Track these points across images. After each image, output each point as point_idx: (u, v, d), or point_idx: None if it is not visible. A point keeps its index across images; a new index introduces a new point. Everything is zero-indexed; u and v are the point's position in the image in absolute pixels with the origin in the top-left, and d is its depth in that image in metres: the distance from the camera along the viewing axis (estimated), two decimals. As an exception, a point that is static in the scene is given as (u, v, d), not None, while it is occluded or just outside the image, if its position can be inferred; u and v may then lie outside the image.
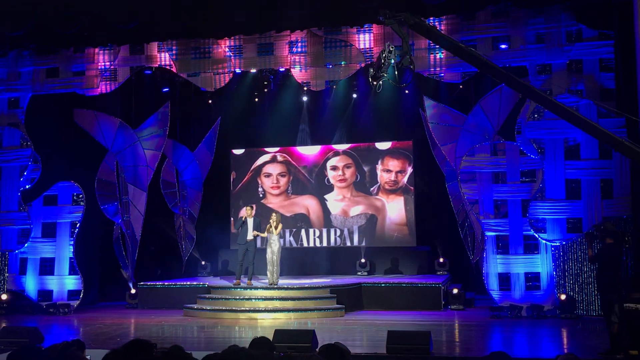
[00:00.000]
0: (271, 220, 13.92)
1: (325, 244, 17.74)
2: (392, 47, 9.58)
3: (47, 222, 15.18)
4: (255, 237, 14.17)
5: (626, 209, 12.21)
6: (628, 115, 10.31)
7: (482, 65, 8.68)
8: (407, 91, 15.89)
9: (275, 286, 13.79)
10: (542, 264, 12.88)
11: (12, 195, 15.09)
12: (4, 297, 14.58)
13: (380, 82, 9.89)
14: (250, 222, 14.12)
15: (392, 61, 9.52)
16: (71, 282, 14.93)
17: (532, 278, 12.99)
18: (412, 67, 9.37)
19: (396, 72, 9.49)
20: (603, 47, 12.64)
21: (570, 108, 8.58)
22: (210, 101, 17.51)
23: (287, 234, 17.79)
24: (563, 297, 12.47)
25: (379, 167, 17.61)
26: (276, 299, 13.50)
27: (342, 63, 14.16)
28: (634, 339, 7.19)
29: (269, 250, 13.92)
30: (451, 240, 16.20)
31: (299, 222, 17.95)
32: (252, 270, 14.18)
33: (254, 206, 15.30)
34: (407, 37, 9.45)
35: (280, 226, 14.01)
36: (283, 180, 18.22)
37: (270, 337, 9.32)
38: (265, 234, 14.09)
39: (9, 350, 8.66)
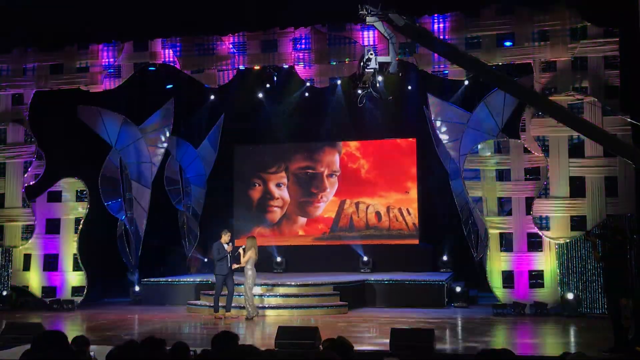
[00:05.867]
0: (246, 247, 12.75)
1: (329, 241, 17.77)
2: (371, 54, 8.64)
3: (51, 218, 15.20)
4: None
5: (630, 207, 12.17)
6: (634, 122, 9.99)
7: (484, 73, 7.91)
8: (409, 87, 15.75)
9: (255, 316, 12.63)
10: (545, 262, 12.85)
11: (16, 192, 15.11)
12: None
13: (361, 93, 9.09)
14: (226, 248, 13.03)
15: (372, 69, 8.59)
16: (75, 278, 14.96)
17: (536, 276, 12.96)
18: (400, 74, 8.57)
19: (378, 82, 8.56)
20: (608, 45, 12.58)
21: (584, 119, 7.84)
22: (213, 97, 17.49)
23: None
24: (567, 294, 12.45)
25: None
26: (279, 295, 13.49)
27: (346, 60, 14.11)
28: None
29: (246, 281, 12.65)
30: (455, 237, 16.20)
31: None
32: (231, 301, 12.99)
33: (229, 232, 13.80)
34: (394, 39, 8.63)
35: (256, 252, 12.77)
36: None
37: (274, 333, 9.36)
38: (243, 263, 12.75)
39: (12, 346, 8.70)
